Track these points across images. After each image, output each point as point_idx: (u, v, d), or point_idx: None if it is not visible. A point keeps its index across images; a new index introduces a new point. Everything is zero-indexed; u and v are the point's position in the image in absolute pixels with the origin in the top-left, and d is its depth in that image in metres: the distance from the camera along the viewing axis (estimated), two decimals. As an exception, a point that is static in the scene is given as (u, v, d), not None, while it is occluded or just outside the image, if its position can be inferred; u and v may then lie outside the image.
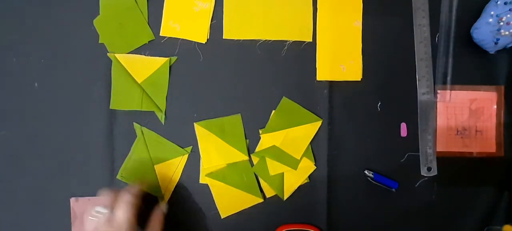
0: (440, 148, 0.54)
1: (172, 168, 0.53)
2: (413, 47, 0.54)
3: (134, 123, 0.53)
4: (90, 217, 0.44)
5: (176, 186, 0.53)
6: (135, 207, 0.45)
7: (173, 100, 0.53)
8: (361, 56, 0.54)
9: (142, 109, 0.53)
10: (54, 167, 0.53)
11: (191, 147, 0.53)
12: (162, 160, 0.53)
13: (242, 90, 0.54)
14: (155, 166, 0.53)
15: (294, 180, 0.53)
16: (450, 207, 0.54)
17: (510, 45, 0.51)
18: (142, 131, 0.53)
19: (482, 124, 0.54)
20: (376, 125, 0.54)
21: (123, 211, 0.44)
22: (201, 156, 0.53)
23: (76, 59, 0.53)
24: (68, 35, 0.53)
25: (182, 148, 0.53)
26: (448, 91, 0.54)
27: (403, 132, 0.54)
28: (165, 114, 0.53)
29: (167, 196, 0.53)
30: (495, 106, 0.54)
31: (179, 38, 0.53)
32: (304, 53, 0.53)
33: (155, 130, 0.53)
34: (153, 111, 0.53)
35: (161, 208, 0.50)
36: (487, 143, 0.54)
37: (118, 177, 0.53)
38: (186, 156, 0.53)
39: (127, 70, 0.53)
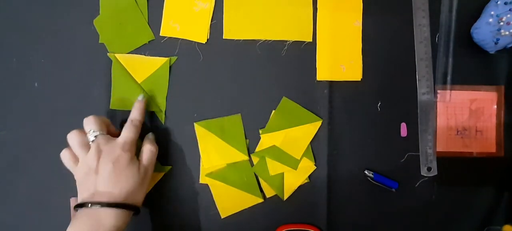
0: (440, 148, 0.54)
1: None
2: (413, 47, 0.54)
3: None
4: (90, 142, 0.45)
5: (175, 187, 0.53)
6: (138, 128, 0.48)
7: (173, 100, 0.53)
8: (361, 56, 0.54)
9: (142, 109, 0.53)
10: (54, 167, 0.53)
11: (170, 167, 0.53)
12: None
13: (242, 90, 0.54)
14: None
15: (294, 180, 0.53)
16: (450, 207, 0.54)
17: (510, 45, 0.51)
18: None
19: (482, 124, 0.54)
20: (376, 125, 0.54)
21: (133, 132, 0.47)
22: (201, 156, 0.53)
23: (76, 59, 0.53)
24: (68, 35, 0.53)
25: (162, 164, 0.53)
26: (448, 91, 0.54)
27: (403, 132, 0.54)
28: (165, 114, 0.53)
29: None
30: (495, 107, 0.54)
31: (179, 38, 0.53)
32: (304, 53, 0.53)
33: (155, 130, 0.53)
34: (153, 111, 0.53)
35: (148, 137, 0.50)
36: (487, 143, 0.54)
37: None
38: (162, 174, 0.53)
39: (127, 70, 0.53)
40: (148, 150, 0.48)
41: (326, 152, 0.54)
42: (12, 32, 0.53)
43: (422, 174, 0.53)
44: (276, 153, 0.53)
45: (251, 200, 0.53)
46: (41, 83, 0.53)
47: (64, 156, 0.47)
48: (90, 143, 0.46)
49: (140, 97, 0.51)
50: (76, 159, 0.46)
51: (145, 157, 0.48)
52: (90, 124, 0.46)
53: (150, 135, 0.51)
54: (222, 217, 0.53)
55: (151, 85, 0.53)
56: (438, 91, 0.54)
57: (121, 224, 0.44)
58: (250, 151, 0.53)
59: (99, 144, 0.45)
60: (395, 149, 0.54)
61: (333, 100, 0.54)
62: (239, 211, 0.53)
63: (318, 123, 0.53)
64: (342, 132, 0.54)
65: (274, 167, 0.53)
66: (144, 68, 0.53)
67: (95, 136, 0.46)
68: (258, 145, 0.53)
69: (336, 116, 0.54)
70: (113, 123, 0.53)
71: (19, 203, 0.53)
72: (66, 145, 0.53)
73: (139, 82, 0.53)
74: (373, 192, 0.54)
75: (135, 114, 0.49)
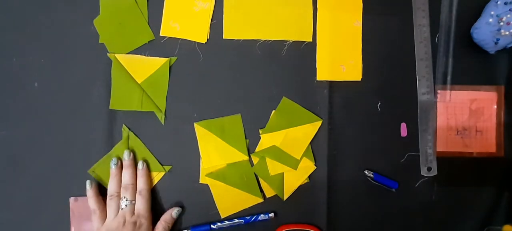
0: (440, 148, 0.54)
1: None
2: (413, 47, 0.54)
3: (123, 125, 0.53)
4: (121, 208, 0.50)
5: (175, 187, 0.53)
6: (147, 198, 0.51)
7: (173, 100, 0.53)
8: (361, 56, 0.54)
9: (142, 110, 0.52)
10: (54, 167, 0.53)
11: (171, 166, 0.53)
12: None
13: (242, 90, 0.54)
14: None
15: (294, 180, 0.53)
16: (450, 207, 0.54)
17: (510, 45, 0.51)
18: (128, 135, 0.53)
19: (482, 124, 0.54)
20: (376, 125, 0.54)
21: (145, 204, 0.50)
22: (201, 156, 0.53)
23: (76, 59, 0.53)
24: (68, 35, 0.53)
25: (162, 164, 0.53)
26: (448, 91, 0.54)
27: (403, 132, 0.54)
28: (165, 115, 0.53)
29: None
30: (495, 106, 0.54)
31: (179, 38, 0.53)
32: (304, 53, 0.54)
33: (155, 130, 0.53)
34: (153, 112, 0.53)
35: (173, 214, 0.52)
36: (487, 143, 0.54)
37: (89, 171, 0.52)
38: (162, 174, 0.53)
39: (127, 70, 0.53)
40: (161, 228, 0.51)
41: (326, 152, 0.54)
42: (12, 32, 0.53)
43: (422, 174, 0.53)
44: (276, 153, 0.53)
45: (251, 200, 0.53)
46: (41, 83, 0.53)
47: (96, 207, 0.50)
48: (120, 209, 0.50)
49: (140, 164, 0.52)
50: (104, 215, 0.50)
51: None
52: (127, 192, 0.50)
53: (174, 213, 0.52)
54: (222, 217, 0.53)
55: (151, 85, 0.53)
56: (438, 91, 0.54)
57: None
58: (250, 151, 0.53)
59: (125, 214, 0.49)
60: (395, 149, 0.54)
61: (333, 100, 0.54)
62: (239, 211, 0.53)
63: (318, 123, 0.53)
64: (342, 132, 0.54)
65: (274, 167, 0.53)
66: (144, 69, 0.53)
67: (126, 205, 0.50)
68: (258, 145, 0.53)
69: (336, 116, 0.54)
70: (113, 122, 0.53)
71: (19, 203, 0.53)
72: (66, 145, 0.53)
73: (139, 82, 0.53)
74: (373, 192, 0.54)
75: (141, 184, 0.51)
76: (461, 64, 0.53)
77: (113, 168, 0.51)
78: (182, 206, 0.53)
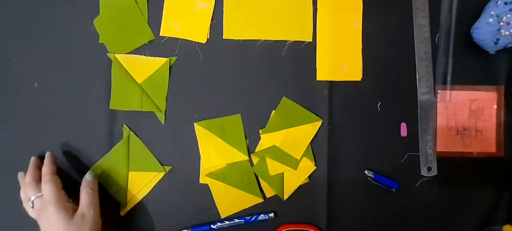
0: (440, 148, 0.54)
1: (145, 180, 0.53)
2: (413, 47, 0.54)
3: (124, 125, 0.53)
4: (30, 209, 0.48)
5: (175, 187, 0.53)
6: (56, 180, 0.48)
7: (173, 100, 0.53)
8: (361, 56, 0.54)
9: (142, 110, 0.52)
10: (54, 167, 0.53)
11: (171, 166, 0.53)
12: (139, 169, 0.53)
13: (242, 90, 0.54)
14: (129, 173, 0.53)
15: (294, 180, 0.53)
16: (450, 207, 0.54)
17: (510, 45, 0.51)
18: (129, 135, 0.53)
19: (482, 124, 0.54)
20: (376, 125, 0.54)
21: (48, 189, 0.47)
22: (201, 156, 0.53)
23: (76, 59, 0.53)
24: (68, 35, 0.53)
25: (162, 164, 0.53)
26: (448, 91, 0.54)
27: (403, 132, 0.54)
28: (165, 115, 0.53)
29: (130, 205, 0.53)
30: (495, 106, 0.54)
31: (179, 38, 0.53)
32: (304, 53, 0.53)
33: (155, 130, 0.53)
34: (153, 112, 0.53)
35: (86, 177, 0.50)
36: (487, 143, 0.54)
37: (90, 171, 0.52)
38: (162, 174, 0.53)
39: (127, 70, 0.53)
40: (85, 193, 0.48)
41: (326, 152, 0.54)
42: (12, 32, 0.53)
43: (422, 174, 0.53)
44: (276, 153, 0.53)
45: (251, 200, 0.53)
46: (41, 83, 0.53)
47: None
48: (31, 210, 0.49)
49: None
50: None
51: (82, 202, 0.48)
52: (30, 190, 0.49)
53: (87, 176, 0.50)
54: (222, 217, 0.53)
55: (151, 85, 0.53)
56: (438, 91, 0.54)
57: None
58: (250, 151, 0.53)
59: (39, 212, 0.48)
60: (395, 149, 0.54)
61: (333, 100, 0.54)
62: (239, 211, 0.53)
63: (318, 123, 0.53)
64: (342, 132, 0.54)
65: (274, 167, 0.53)
66: (144, 68, 0.53)
67: (31, 201, 0.48)
68: (258, 145, 0.53)
69: (336, 116, 0.54)
70: (113, 122, 0.53)
71: (19, 203, 0.53)
72: (66, 145, 0.53)
73: (139, 82, 0.53)
74: (373, 192, 0.54)
75: (44, 169, 0.49)
76: (461, 64, 0.53)
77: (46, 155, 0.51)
78: (182, 206, 0.53)
